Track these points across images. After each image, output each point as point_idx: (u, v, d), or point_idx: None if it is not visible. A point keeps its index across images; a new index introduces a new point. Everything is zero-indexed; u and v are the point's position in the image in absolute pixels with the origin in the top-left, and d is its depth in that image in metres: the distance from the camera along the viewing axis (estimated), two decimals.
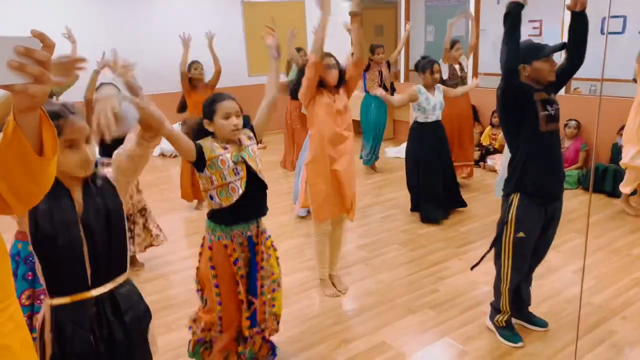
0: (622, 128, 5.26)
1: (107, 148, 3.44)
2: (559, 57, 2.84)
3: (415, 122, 4.61)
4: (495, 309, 2.86)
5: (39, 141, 0.97)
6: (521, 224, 2.58)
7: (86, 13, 7.28)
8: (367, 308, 3.26)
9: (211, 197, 2.27)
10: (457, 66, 5.45)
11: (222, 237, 2.30)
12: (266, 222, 2.47)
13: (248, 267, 2.35)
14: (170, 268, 3.92)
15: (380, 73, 6.07)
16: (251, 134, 2.37)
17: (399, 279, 3.63)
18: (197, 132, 2.27)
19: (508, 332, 2.84)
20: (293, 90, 4.83)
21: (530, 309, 2.97)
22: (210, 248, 2.32)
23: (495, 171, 6.05)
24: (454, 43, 5.43)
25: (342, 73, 3.22)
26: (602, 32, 5.52)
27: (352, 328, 3.05)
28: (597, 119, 5.01)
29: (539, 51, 2.46)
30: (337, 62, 3.23)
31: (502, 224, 2.65)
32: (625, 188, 4.57)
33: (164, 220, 4.65)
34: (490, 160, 6.22)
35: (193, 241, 4.37)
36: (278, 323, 2.55)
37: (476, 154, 6.16)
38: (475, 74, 6.38)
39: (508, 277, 2.70)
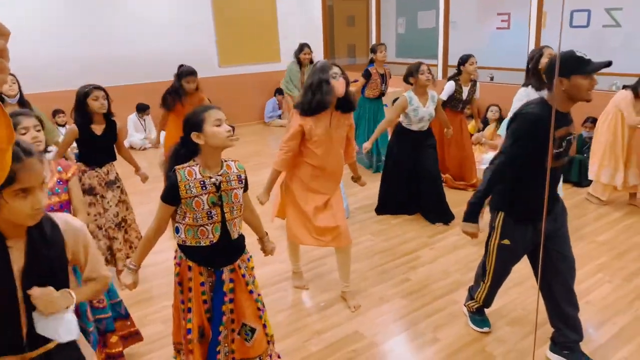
0: (586, 120, 5.41)
1: (88, 155, 3.31)
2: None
3: (400, 125, 4.46)
4: (471, 296, 2.89)
5: None
6: (507, 235, 2.51)
7: (52, 3, 7.04)
8: (339, 299, 3.27)
9: (177, 230, 2.08)
10: (466, 88, 4.98)
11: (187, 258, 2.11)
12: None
13: (212, 292, 2.11)
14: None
15: (383, 77, 5.68)
16: (244, 177, 2.14)
17: (371, 269, 3.65)
18: (179, 157, 2.05)
19: (478, 317, 2.90)
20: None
21: (499, 295, 3.00)
22: (178, 264, 2.13)
23: None
24: (467, 57, 4.91)
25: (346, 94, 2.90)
26: (570, 25, 5.65)
27: (324, 319, 3.06)
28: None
29: (583, 66, 2.18)
30: (343, 72, 2.89)
31: (490, 227, 2.58)
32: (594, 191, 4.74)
33: (135, 213, 4.56)
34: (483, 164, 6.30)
35: (164, 235, 4.29)
36: (272, 344, 2.33)
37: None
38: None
39: (490, 276, 2.68)
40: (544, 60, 3.72)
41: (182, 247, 2.10)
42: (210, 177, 2.01)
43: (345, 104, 2.91)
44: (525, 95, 3.74)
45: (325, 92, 2.79)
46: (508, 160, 2.30)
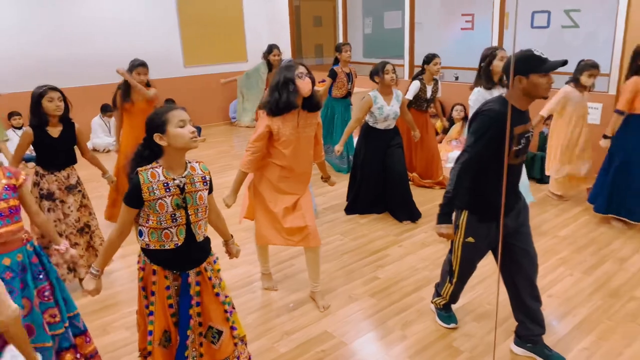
0: (549, 118, 5.56)
1: (45, 158, 3.17)
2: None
3: (366, 124, 4.47)
4: (437, 292, 2.93)
5: None
6: (471, 232, 2.54)
7: (10, 2, 6.79)
8: (308, 299, 3.26)
9: (140, 234, 2.03)
10: (430, 87, 5.06)
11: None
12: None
13: (178, 296, 2.07)
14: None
15: (349, 76, 5.68)
16: (209, 178, 2.11)
17: (340, 268, 3.66)
18: (142, 159, 1.99)
19: (445, 313, 2.94)
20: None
21: (465, 291, 3.05)
22: (142, 269, 2.07)
23: None
24: (432, 57, 4.99)
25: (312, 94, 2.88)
26: (531, 26, 5.80)
27: (293, 319, 3.05)
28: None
29: (541, 64, 2.23)
30: (309, 71, 2.87)
31: (454, 226, 2.55)
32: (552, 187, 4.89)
33: (99, 216, 4.44)
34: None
35: (128, 239, 4.20)
36: (246, 345, 2.32)
37: None
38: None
39: (456, 273, 2.73)
40: (496, 63, 3.83)
41: (146, 251, 2.05)
42: (174, 179, 1.97)
43: (311, 103, 2.89)
44: (478, 95, 3.83)
45: (291, 91, 2.77)
46: (472, 159, 2.33)
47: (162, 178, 1.96)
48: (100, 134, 7.44)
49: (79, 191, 3.34)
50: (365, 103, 4.30)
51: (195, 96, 8.31)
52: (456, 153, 5.94)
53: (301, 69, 2.82)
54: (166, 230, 1.98)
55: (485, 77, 3.87)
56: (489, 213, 2.44)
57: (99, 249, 3.45)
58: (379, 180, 4.56)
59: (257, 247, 3.34)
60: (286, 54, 8.90)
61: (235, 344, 2.21)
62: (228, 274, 2.80)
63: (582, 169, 4.65)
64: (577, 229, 4.20)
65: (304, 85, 2.80)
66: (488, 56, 3.91)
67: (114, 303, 3.28)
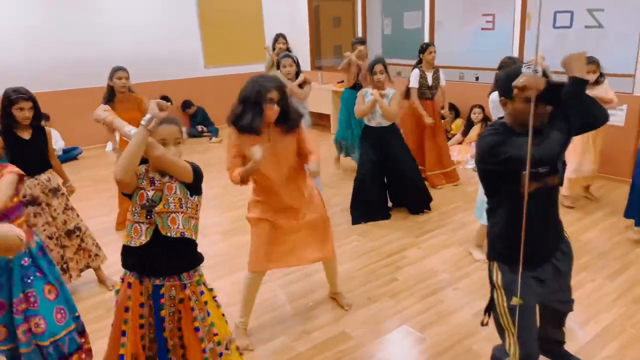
0: None
1: (20, 163, 3.12)
2: None
3: (364, 126, 4.52)
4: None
5: None
6: (511, 291, 2.01)
7: (32, 3, 6.92)
8: (327, 299, 3.26)
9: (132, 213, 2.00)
10: (430, 74, 5.16)
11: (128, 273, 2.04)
12: (219, 216, 2.35)
13: (153, 317, 2.01)
14: (107, 270, 3.61)
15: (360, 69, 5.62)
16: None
17: (358, 269, 3.66)
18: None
19: None
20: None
21: (486, 295, 3.00)
22: (121, 280, 2.05)
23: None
24: (426, 47, 5.15)
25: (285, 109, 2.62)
26: (554, 26, 5.72)
27: (312, 319, 3.06)
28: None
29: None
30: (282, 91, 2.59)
31: (491, 286, 2.14)
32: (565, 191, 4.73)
33: (116, 215, 4.52)
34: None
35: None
36: None
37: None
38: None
39: (516, 351, 2.07)
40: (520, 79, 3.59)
41: (123, 251, 2.03)
42: (160, 179, 1.98)
43: (284, 123, 2.63)
44: (494, 100, 3.54)
45: (256, 114, 2.52)
46: (488, 184, 2.05)
47: (150, 175, 1.99)
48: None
49: (62, 194, 3.30)
50: (358, 96, 4.37)
51: (215, 96, 8.36)
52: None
53: (273, 94, 2.52)
54: (136, 225, 1.97)
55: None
56: (517, 257, 1.77)
57: (93, 249, 3.45)
58: (375, 181, 4.49)
59: (246, 286, 2.82)
60: (305, 54, 8.93)
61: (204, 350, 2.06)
62: (245, 274, 2.81)
63: (585, 168, 4.53)
64: (599, 234, 4.13)
65: (270, 114, 2.55)
66: (508, 69, 3.73)
67: (112, 307, 3.30)
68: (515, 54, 6.08)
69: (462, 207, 4.72)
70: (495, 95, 3.70)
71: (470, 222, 4.33)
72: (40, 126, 3.19)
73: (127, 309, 2.00)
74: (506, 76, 1.96)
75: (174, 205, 1.96)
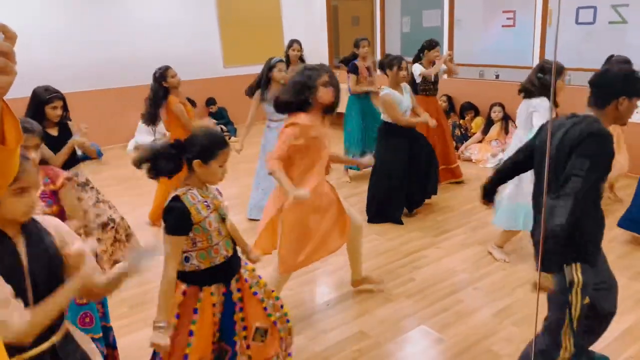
0: None
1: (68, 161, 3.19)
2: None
3: (384, 123, 4.41)
4: None
5: (2, 132, 0.96)
6: (587, 289, 2.06)
7: (54, 5, 7.07)
8: (344, 298, 3.27)
9: (186, 259, 2.00)
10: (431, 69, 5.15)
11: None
12: (237, 215, 2.37)
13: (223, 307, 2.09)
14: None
15: (369, 69, 5.59)
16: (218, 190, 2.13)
17: (376, 268, 3.65)
18: (172, 169, 1.98)
19: None
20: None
21: (506, 294, 2.99)
22: (184, 293, 2.03)
23: (471, 161, 6.13)
24: (435, 45, 5.15)
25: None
26: (576, 22, 5.62)
27: (329, 318, 3.06)
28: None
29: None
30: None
31: (567, 290, 2.05)
32: None
33: (140, 214, 4.59)
34: (466, 152, 6.29)
35: None
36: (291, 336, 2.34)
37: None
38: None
39: (570, 343, 2.08)
40: (560, 84, 3.46)
41: (195, 274, 2.01)
42: (208, 196, 2.00)
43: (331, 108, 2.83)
44: (541, 106, 3.45)
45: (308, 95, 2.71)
46: (584, 187, 1.91)
47: (200, 198, 1.96)
48: (144, 133, 7.69)
49: (92, 188, 3.35)
50: (390, 101, 4.23)
51: (234, 96, 8.40)
52: (501, 155, 5.82)
53: (325, 77, 2.73)
54: (215, 247, 2.00)
55: (539, 89, 3.47)
56: (596, 254, 2.07)
57: (123, 238, 3.47)
58: (402, 179, 4.41)
59: (278, 283, 2.90)
60: (323, 53, 8.94)
61: (282, 338, 2.23)
62: (263, 272, 2.82)
63: (617, 166, 4.45)
64: (622, 233, 4.04)
65: (326, 96, 2.73)
66: (549, 73, 3.48)
67: (152, 297, 3.35)
68: (537, 52, 5.99)
69: (481, 206, 4.65)
70: (538, 100, 3.45)
71: (489, 222, 4.28)
72: (65, 123, 3.27)
73: (196, 311, 2.02)
74: (629, 76, 2.00)
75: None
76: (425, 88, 5.12)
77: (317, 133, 2.74)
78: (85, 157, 6.87)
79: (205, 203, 1.97)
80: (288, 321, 2.26)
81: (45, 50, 6.89)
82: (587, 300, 2.05)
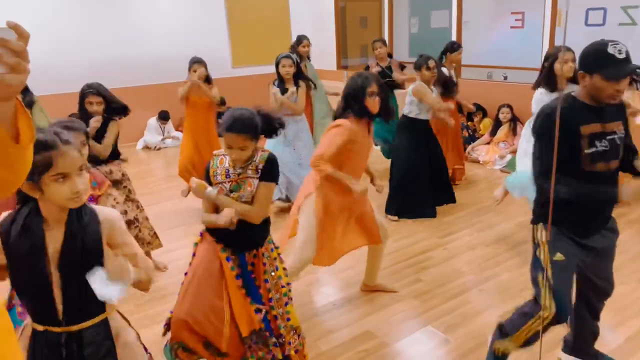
0: None
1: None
2: None
3: (406, 117, 4.49)
4: (503, 333, 2.27)
5: (16, 129, 0.98)
6: (555, 247, 2.11)
7: (65, 5, 7.14)
8: (351, 298, 3.28)
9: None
10: (452, 70, 5.29)
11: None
12: None
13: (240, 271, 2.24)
14: (157, 258, 3.79)
15: (384, 70, 5.68)
16: (262, 167, 2.19)
17: (382, 269, 3.63)
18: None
19: None
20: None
21: (513, 296, 2.99)
22: (200, 234, 2.32)
23: (478, 162, 6.12)
24: (458, 47, 5.31)
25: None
26: (586, 24, 5.60)
27: (336, 318, 3.07)
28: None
29: (606, 66, 1.87)
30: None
31: (534, 246, 2.20)
32: None
33: (148, 213, 4.61)
34: (474, 153, 6.28)
35: (177, 234, 4.35)
36: (300, 336, 2.34)
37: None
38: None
39: (551, 304, 2.07)
40: (557, 66, 3.55)
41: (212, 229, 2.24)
42: (236, 167, 2.18)
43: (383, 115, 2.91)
44: (540, 97, 3.61)
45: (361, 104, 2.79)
46: (544, 165, 2.01)
47: (227, 165, 2.20)
48: (153, 133, 7.76)
49: (125, 187, 3.44)
50: (422, 90, 4.34)
51: (243, 96, 8.44)
52: (508, 156, 5.81)
53: (373, 87, 2.77)
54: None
55: (545, 79, 3.62)
56: (572, 227, 2.08)
57: (148, 238, 3.58)
58: (425, 174, 4.49)
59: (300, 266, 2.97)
60: (331, 54, 8.95)
61: (282, 335, 2.27)
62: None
63: None
64: (633, 235, 4.02)
65: (373, 106, 2.79)
66: (550, 57, 3.70)
67: (160, 295, 3.38)
68: (545, 53, 5.96)
69: (489, 207, 4.66)
70: (538, 93, 3.61)
71: (496, 223, 4.28)
72: (109, 119, 3.38)
73: (228, 260, 2.22)
74: (592, 49, 1.96)
75: (248, 200, 2.17)
76: (447, 90, 5.08)
77: (361, 140, 2.82)
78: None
79: (227, 171, 2.18)
80: (289, 319, 2.29)
81: (54, 50, 6.96)
82: (558, 256, 2.08)
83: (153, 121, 7.75)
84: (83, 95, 3.28)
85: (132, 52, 7.59)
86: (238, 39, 8.55)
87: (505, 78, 6.71)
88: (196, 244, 2.32)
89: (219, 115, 8.74)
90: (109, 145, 3.36)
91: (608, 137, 2.01)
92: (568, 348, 2.56)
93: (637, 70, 2.23)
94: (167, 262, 3.83)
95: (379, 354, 2.73)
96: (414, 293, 3.31)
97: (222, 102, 8.39)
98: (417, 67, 4.45)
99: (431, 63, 4.35)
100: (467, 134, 6.55)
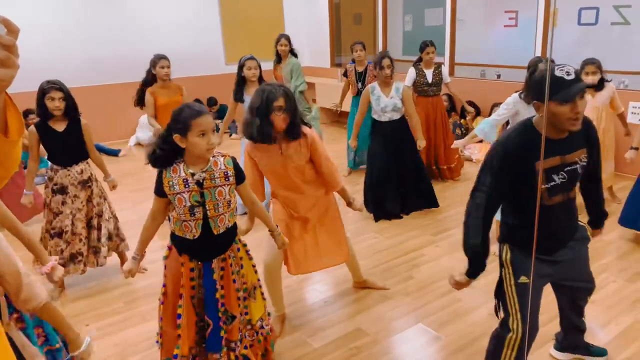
0: None
1: (53, 154, 3.24)
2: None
3: (373, 119, 4.50)
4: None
5: (4, 124, 0.97)
6: (519, 270, 2.10)
7: (59, 3, 7.08)
8: (343, 295, 3.28)
9: (168, 219, 2.21)
10: (430, 71, 5.23)
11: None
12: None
13: (202, 280, 2.19)
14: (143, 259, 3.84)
15: (360, 75, 5.66)
16: (231, 173, 2.11)
17: (374, 266, 3.66)
18: (170, 152, 2.04)
19: None
20: None
21: None
22: (169, 248, 2.23)
23: (471, 160, 6.14)
24: (424, 47, 5.20)
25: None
26: (579, 23, 5.62)
27: (327, 315, 3.07)
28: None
29: (559, 89, 1.79)
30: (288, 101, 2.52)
31: (500, 266, 2.20)
32: None
33: (141, 209, 4.59)
34: (467, 151, 6.29)
35: (167, 231, 4.32)
36: (259, 331, 2.35)
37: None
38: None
39: (518, 327, 2.09)
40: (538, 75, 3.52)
41: (172, 236, 2.20)
42: (193, 175, 2.04)
43: (290, 132, 2.57)
44: (512, 102, 3.55)
45: (267, 123, 2.50)
46: (487, 199, 2.02)
47: (182, 174, 2.04)
48: (146, 130, 7.70)
49: (89, 186, 3.36)
50: (364, 94, 4.41)
51: None
52: None
53: (280, 102, 2.47)
54: (185, 223, 2.09)
55: (525, 89, 3.48)
56: (537, 248, 1.96)
57: (114, 231, 3.52)
58: (388, 175, 4.45)
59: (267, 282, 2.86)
60: (325, 52, 8.95)
61: (239, 330, 2.26)
62: (260, 268, 2.83)
63: (608, 168, 4.45)
64: (623, 234, 4.05)
65: (278, 122, 2.51)
66: (531, 67, 3.68)
67: (150, 293, 3.38)
68: (539, 52, 5.99)
69: None
70: (514, 96, 3.58)
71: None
72: (75, 118, 3.26)
73: (181, 295, 2.16)
74: (540, 77, 1.95)
75: (223, 208, 2.11)
76: (420, 90, 5.26)
77: (267, 160, 2.64)
78: (112, 152, 6.96)
79: (185, 181, 2.03)
80: (247, 313, 2.29)
81: (46, 45, 6.91)
82: (522, 279, 2.08)
83: (145, 118, 7.70)
84: (44, 90, 3.10)
85: (124, 49, 7.55)
86: (232, 36, 8.53)
87: (499, 76, 6.73)
88: (165, 257, 2.24)
89: (218, 115, 8.69)
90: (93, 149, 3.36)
91: (567, 169, 1.97)
92: (559, 344, 2.58)
93: (588, 87, 2.18)
94: (154, 259, 3.79)
95: (371, 351, 2.73)
96: (406, 290, 3.32)
97: (213, 102, 8.36)
98: (374, 66, 4.47)
99: (385, 62, 4.26)
100: (460, 132, 6.56)
